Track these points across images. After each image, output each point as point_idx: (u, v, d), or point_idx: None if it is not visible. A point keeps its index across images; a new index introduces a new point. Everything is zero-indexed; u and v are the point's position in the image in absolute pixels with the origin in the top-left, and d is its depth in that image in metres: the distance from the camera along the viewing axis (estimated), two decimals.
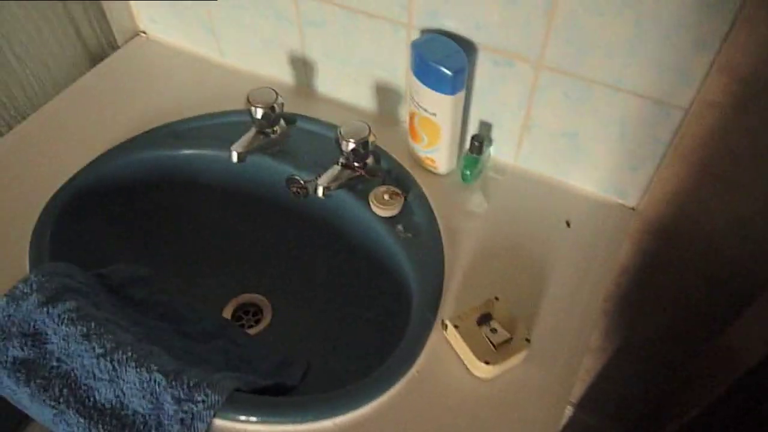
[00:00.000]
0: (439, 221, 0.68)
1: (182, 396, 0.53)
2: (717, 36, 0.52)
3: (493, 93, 0.67)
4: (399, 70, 0.72)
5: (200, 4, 0.80)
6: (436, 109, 0.65)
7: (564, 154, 0.69)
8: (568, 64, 0.60)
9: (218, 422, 0.53)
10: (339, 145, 0.67)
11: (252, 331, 0.74)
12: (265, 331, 0.74)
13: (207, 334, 0.71)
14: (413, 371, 0.57)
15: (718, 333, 0.76)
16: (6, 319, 0.58)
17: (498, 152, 0.73)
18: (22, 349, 0.57)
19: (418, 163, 0.73)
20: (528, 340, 0.56)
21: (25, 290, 0.59)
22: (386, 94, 0.77)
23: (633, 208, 0.70)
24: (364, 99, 0.79)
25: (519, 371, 0.57)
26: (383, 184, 0.69)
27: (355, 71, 0.76)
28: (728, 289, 0.72)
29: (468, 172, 0.70)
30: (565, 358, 0.58)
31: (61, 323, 0.57)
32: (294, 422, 0.53)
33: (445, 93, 0.63)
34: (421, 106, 0.66)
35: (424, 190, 0.70)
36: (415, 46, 0.63)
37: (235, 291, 0.76)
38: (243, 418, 0.53)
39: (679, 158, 0.64)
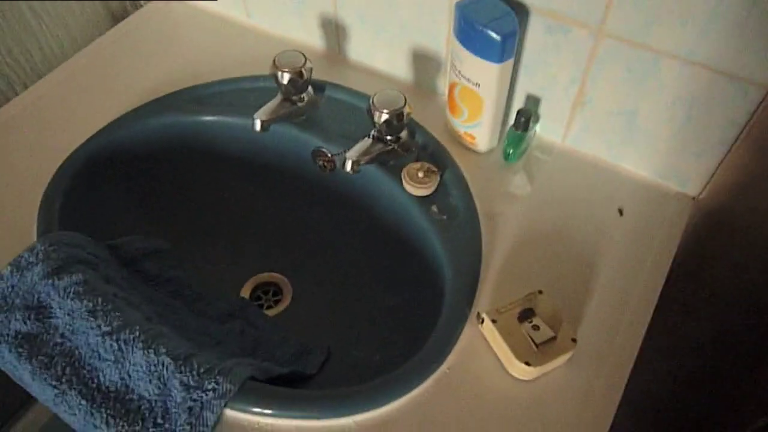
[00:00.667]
0: (477, 203, 0.62)
1: (191, 383, 0.49)
2: None
3: (544, 63, 0.60)
4: (440, 36, 0.66)
5: None
6: (480, 78, 0.59)
7: (620, 135, 0.62)
8: (634, 32, 0.53)
9: (229, 413, 0.49)
10: (371, 117, 0.61)
11: (270, 313, 0.69)
12: (284, 313, 0.69)
13: (223, 313, 0.67)
14: (444, 368, 0.51)
15: None
16: (9, 289, 0.55)
17: (545, 130, 0.67)
18: (25, 323, 0.53)
19: (457, 139, 0.67)
20: (574, 341, 0.50)
21: (30, 259, 0.56)
22: (424, 63, 0.70)
23: (694, 198, 0.63)
24: (399, 67, 0.73)
25: (561, 373, 0.51)
26: (417, 160, 0.63)
27: (391, 36, 0.69)
28: None
29: (511, 151, 0.64)
30: (614, 361, 0.52)
31: (67, 297, 0.53)
32: (311, 418, 0.49)
33: (492, 61, 0.56)
34: (463, 76, 0.60)
35: (462, 168, 0.64)
36: (460, 7, 0.56)
37: (255, 269, 0.72)
38: (256, 410, 0.49)
39: (752, 145, 0.57)
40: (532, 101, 0.65)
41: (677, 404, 0.84)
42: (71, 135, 0.67)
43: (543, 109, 0.65)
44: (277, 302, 0.70)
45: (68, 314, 0.53)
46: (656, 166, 0.63)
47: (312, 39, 0.77)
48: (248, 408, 0.49)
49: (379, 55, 0.73)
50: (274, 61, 0.64)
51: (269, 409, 0.49)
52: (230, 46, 0.79)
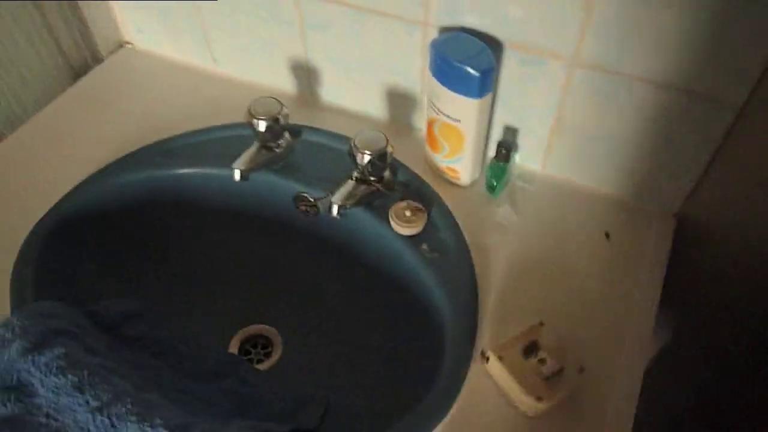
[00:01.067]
0: (466, 237, 0.61)
1: None
2: None
3: (521, 95, 0.61)
4: (413, 74, 0.66)
5: (191, 7, 0.74)
6: (460, 114, 0.59)
7: (599, 160, 0.63)
8: (608, 60, 0.55)
9: None
10: (353, 158, 0.60)
11: (262, 367, 0.67)
12: (276, 365, 0.67)
13: (212, 372, 0.64)
14: (453, 411, 0.50)
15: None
16: None
17: (525, 160, 0.67)
18: (5, 405, 0.49)
19: (438, 174, 0.67)
20: (582, 370, 0.50)
21: (6, 336, 0.52)
22: (399, 101, 0.70)
23: (674, 215, 0.64)
24: (373, 106, 0.73)
25: (571, 403, 0.51)
26: (402, 199, 0.63)
27: (363, 76, 0.69)
28: None
29: (495, 183, 0.64)
30: (621, 386, 0.52)
31: (49, 373, 0.50)
32: None
33: (471, 96, 0.57)
34: (442, 112, 0.60)
35: (448, 203, 0.64)
36: (436, 46, 0.57)
37: (241, 322, 0.69)
38: None
39: (729, 162, 0.58)
40: (510, 132, 0.65)
41: (690, 418, 0.84)
42: (40, 198, 0.64)
43: (521, 139, 0.66)
44: (267, 355, 0.68)
45: (52, 391, 0.50)
46: (637, 188, 0.64)
47: (281, 83, 0.76)
48: None
49: (353, 96, 0.73)
50: (249, 109, 0.63)
51: None
52: (198, 95, 0.77)
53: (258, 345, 0.69)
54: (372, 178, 0.62)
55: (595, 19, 0.52)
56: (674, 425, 0.81)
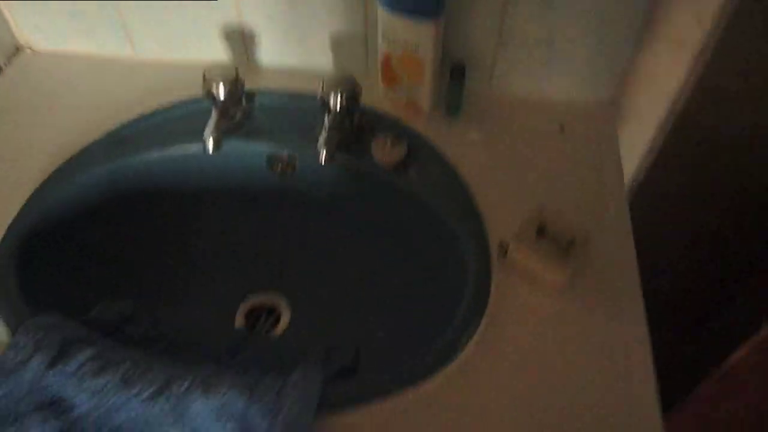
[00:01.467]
0: (447, 157, 0.65)
1: (273, 408, 0.46)
2: None
3: (463, 11, 0.65)
4: (357, 16, 0.67)
5: None
6: (418, 40, 0.62)
7: (541, 65, 0.69)
8: None
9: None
10: (324, 103, 0.61)
11: (274, 334, 0.66)
12: (288, 329, 0.66)
13: (229, 350, 0.62)
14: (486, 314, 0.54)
15: None
16: (5, 400, 0.46)
17: (472, 78, 0.72)
18: (45, 426, 0.45)
19: (398, 108, 0.70)
20: (587, 234, 0.55)
21: (20, 357, 0.47)
22: (343, 48, 0.71)
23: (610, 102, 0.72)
24: (318, 61, 0.73)
25: (584, 275, 0.57)
26: (377, 134, 0.65)
27: (304, 31, 0.70)
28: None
29: (456, 104, 0.68)
30: (618, 242, 0.59)
31: (86, 378, 0.47)
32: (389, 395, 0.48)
33: (429, 18, 0.59)
34: (399, 43, 0.63)
35: (418, 131, 0.67)
36: None
37: (242, 296, 0.68)
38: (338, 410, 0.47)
39: (653, 36, 0.67)
40: (460, 51, 0.69)
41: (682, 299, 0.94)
42: None
43: (469, 59, 0.70)
44: (276, 322, 0.67)
45: (94, 396, 0.46)
46: (579, 83, 0.70)
47: (214, 54, 0.74)
48: (332, 410, 0.47)
49: (294, 52, 0.73)
50: (204, 76, 0.61)
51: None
52: (126, 84, 0.73)
53: (262, 315, 0.68)
54: (346, 121, 0.63)
55: None
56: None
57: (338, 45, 0.71)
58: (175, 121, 0.67)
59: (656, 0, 0.63)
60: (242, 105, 0.66)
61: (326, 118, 0.62)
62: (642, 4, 0.62)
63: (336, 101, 0.60)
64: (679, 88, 0.69)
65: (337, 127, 0.62)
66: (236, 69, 0.62)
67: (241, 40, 0.72)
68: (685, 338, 0.94)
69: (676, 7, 0.63)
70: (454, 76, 0.66)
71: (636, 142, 0.78)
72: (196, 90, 0.67)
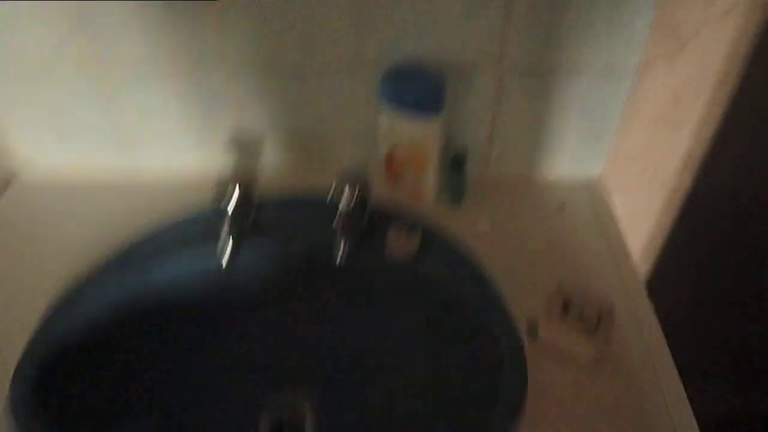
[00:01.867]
0: (459, 244, 0.66)
1: None
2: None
3: (461, 107, 0.69)
4: (366, 118, 0.71)
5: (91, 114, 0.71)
6: (421, 135, 0.65)
7: (533, 148, 0.73)
8: (529, 58, 0.65)
9: None
10: (337, 202, 0.62)
11: None
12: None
13: None
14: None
15: None
16: None
17: (470, 164, 0.75)
18: None
19: (404, 199, 0.72)
20: (611, 306, 0.57)
21: None
22: (348, 142, 0.74)
23: (599, 178, 0.76)
24: (321, 157, 0.75)
25: (615, 343, 0.57)
26: (389, 227, 0.66)
27: (307, 129, 0.73)
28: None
29: (459, 192, 0.71)
30: (639, 311, 0.60)
31: None
32: None
33: (433, 113, 0.63)
34: (404, 139, 0.66)
35: (428, 220, 0.69)
36: (388, 80, 0.63)
37: (262, 401, 0.65)
38: None
39: (635, 116, 0.72)
40: (458, 142, 0.73)
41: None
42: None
43: (466, 147, 0.73)
44: (302, 427, 0.64)
45: None
46: (568, 163, 0.75)
47: (215, 162, 0.76)
48: None
49: (299, 153, 0.75)
50: (215, 185, 0.62)
51: None
52: (128, 197, 0.73)
53: (286, 419, 0.65)
54: (359, 217, 0.65)
55: (516, 26, 0.62)
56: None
57: (343, 141, 0.74)
58: (183, 234, 0.67)
59: (638, 81, 0.68)
60: (253, 212, 0.67)
61: (339, 216, 0.63)
62: (622, 92, 0.67)
63: (349, 199, 0.62)
64: (674, 159, 0.75)
65: (351, 225, 0.63)
66: (248, 176, 0.64)
67: (245, 146, 0.74)
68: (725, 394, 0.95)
69: (656, 86, 0.69)
70: (455, 165, 0.70)
71: (638, 213, 0.82)
72: (200, 200, 0.68)
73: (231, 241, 0.62)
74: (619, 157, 0.76)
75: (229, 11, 0.62)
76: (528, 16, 0.61)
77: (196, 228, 0.68)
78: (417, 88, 0.62)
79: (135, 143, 0.75)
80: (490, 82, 0.67)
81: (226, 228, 0.63)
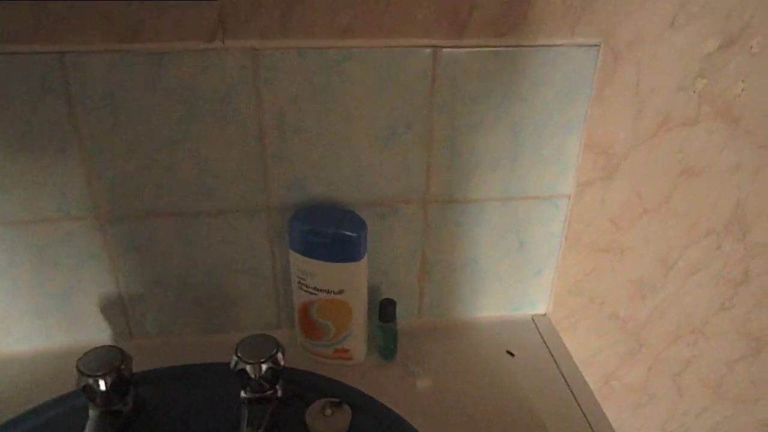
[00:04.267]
0: (397, 412, 0.53)
1: None
2: (581, 117, 0.56)
3: (384, 247, 0.60)
4: (262, 266, 0.59)
5: None
6: (343, 284, 0.54)
7: (470, 287, 0.64)
8: (455, 190, 0.58)
9: None
10: (242, 375, 0.49)
11: None
12: None
13: None
14: None
15: None
16: None
17: (400, 314, 0.64)
18: None
19: (326, 362, 0.59)
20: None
21: None
22: (249, 298, 0.62)
23: (545, 314, 0.68)
24: (219, 320, 0.62)
25: None
26: (310, 401, 0.53)
27: (201, 290, 0.60)
28: None
29: (392, 346, 0.59)
30: None
31: None
32: None
33: (353, 260, 0.53)
34: (321, 289, 0.54)
35: (355, 386, 0.56)
36: (299, 221, 0.53)
37: None
38: None
39: (573, 244, 0.65)
40: (384, 289, 0.62)
41: None
42: None
43: (393, 294, 0.63)
44: None
45: None
46: (510, 300, 0.66)
47: (90, 335, 0.60)
48: None
49: (190, 317, 0.61)
50: (78, 368, 0.47)
51: None
52: None
53: None
54: (268, 392, 0.51)
55: (436, 157, 0.56)
56: None
57: (242, 298, 0.61)
58: (50, 425, 0.50)
59: (574, 206, 0.63)
60: (130, 394, 0.52)
61: (246, 393, 0.50)
62: (559, 219, 0.61)
63: (257, 370, 0.48)
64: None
65: (260, 403, 0.50)
66: (121, 353, 0.49)
67: (122, 311, 0.60)
68: None
69: (593, 213, 0.64)
70: (383, 314, 0.58)
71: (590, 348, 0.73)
72: (62, 387, 0.53)
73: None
74: (564, 289, 0.69)
75: (93, 145, 0.51)
76: (449, 144, 0.55)
77: (64, 415, 0.51)
78: (334, 230, 0.52)
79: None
80: (414, 217, 0.59)
81: (92, 419, 0.47)
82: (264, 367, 0.48)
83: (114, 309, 0.60)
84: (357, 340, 0.58)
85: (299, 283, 0.55)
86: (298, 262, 0.54)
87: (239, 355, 0.49)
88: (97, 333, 0.60)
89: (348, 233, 0.52)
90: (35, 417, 0.52)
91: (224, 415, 0.52)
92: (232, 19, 0.48)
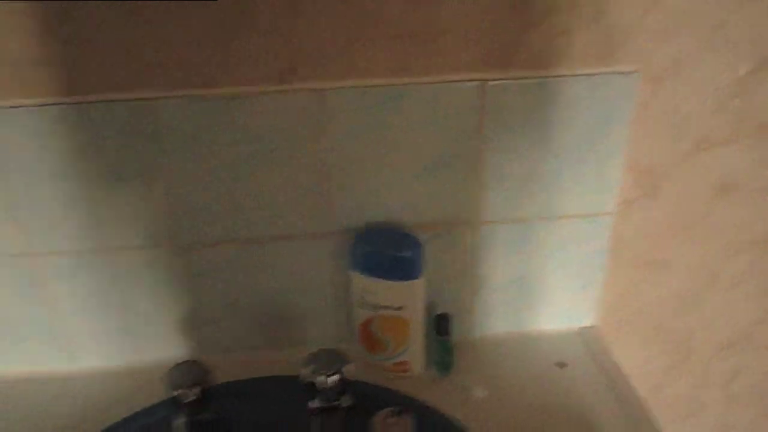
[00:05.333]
0: (456, 421, 0.57)
1: None
2: (621, 140, 0.59)
3: (439, 266, 0.64)
4: (325, 286, 0.64)
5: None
6: (401, 301, 0.58)
7: (519, 302, 0.67)
8: (502, 212, 0.62)
9: None
10: (311, 386, 0.53)
11: None
12: None
13: None
14: None
15: None
16: None
17: (455, 327, 0.68)
18: None
19: (386, 374, 0.63)
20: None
21: None
22: (310, 319, 0.66)
23: (593, 326, 0.70)
24: (287, 333, 0.67)
25: None
26: (374, 411, 0.57)
27: (269, 305, 0.65)
28: None
29: (448, 359, 0.63)
30: None
31: None
32: None
33: (411, 278, 0.57)
34: (381, 306, 0.59)
35: (416, 397, 0.60)
36: (360, 243, 0.57)
37: None
38: None
39: (617, 259, 0.68)
40: (440, 305, 0.66)
41: None
42: None
43: (448, 310, 0.67)
44: None
45: None
46: (558, 314, 0.69)
47: (161, 354, 0.66)
48: None
49: (258, 334, 0.66)
50: (169, 382, 0.53)
51: None
52: (66, 400, 0.62)
53: None
54: (335, 402, 0.55)
55: (486, 183, 0.60)
56: None
57: (306, 316, 0.66)
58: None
59: (618, 223, 0.66)
60: (212, 404, 0.57)
61: (316, 403, 0.54)
62: (603, 236, 0.64)
63: (325, 381, 0.53)
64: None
65: (330, 413, 0.54)
66: (202, 365, 0.55)
67: (193, 331, 0.65)
68: None
69: (636, 229, 0.67)
70: (440, 328, 0.62)
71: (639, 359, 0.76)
72: (146, 399, 0.59)
73: None
74: (611, 302, 0.71)
75: (173, 182, 0.57)
76: (496, 169, 0.59)
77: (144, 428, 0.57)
78: (393, 251, 0.56)
79: (70, 338, 0.65)
80: (467, 237, 0.63)
81: (179, 425, 0.53)
82: (334, 378, 0.53)
83: (191, 327, 0.65)
84: (415, 353, 0.62)
85: (360, 300, 0.60)
86: (359, 281, 0.59)
87: (310, 367, 0.54)
88: (176, 350, 0.66)
89: (406, 254, 0.56)
90: (126, 426, 0.58)
91: (293, 424, 0.56)
92: (301, 63, 0.54)
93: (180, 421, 0.54)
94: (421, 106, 0.56)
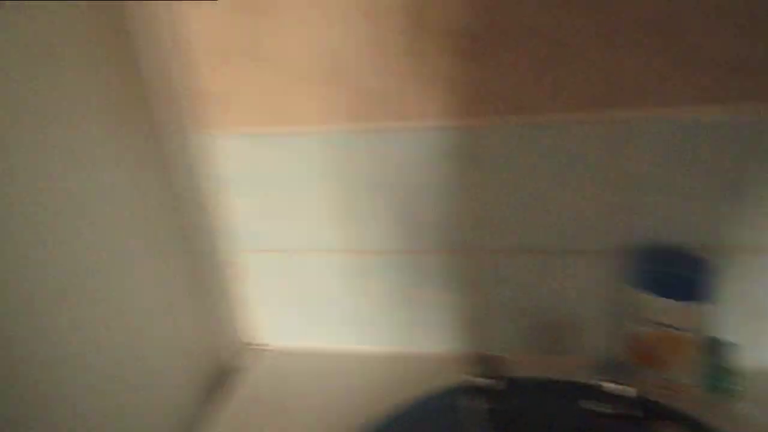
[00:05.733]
0: None
1: None
2: None
3: (724, 291, 0.64)
4: (602, 300, 0.68)
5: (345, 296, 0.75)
6: (686, 321, 0.61)
7: None
8: None
9: None
10: (599, 393, 0.58)
11: None
12: None
13: None
14: None
15: None
16: None
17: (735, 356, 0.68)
18: None
19: (659, 390, 0.65)
20: None
21: None
22: (585, 330, 0.71)
23: None
24: (561, 343, 0.73)
25: None
26: (656, 423, 0.60)
27: (546, 311, 0.71)
28: None
29: (725, 385, 0.63)
30: None
31: None
32: None
33: (698, 300, 0.59)
34: (667, 325, 0.61)
35: (696, 416, 0.61)
36: (649, 261, 0.61)
37: None
38: None
39: None
40: (718, 331, 0.67)
41: None
42: None
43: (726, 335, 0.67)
44: None
45: None
46: None
47: (442, 346, 0.75)
48: None
49: (538, 336, 0.73)
50: (476, 370, 0.60)
51: None
52: (360, 378, 0.73)
53: None
54: (625, 411, 0.59)
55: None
56: None
57: (581, 326, 0.71)
58: (426, 418, 0.65)
59: None
60: (514, 396, 0.64)
61: (602, 408, 0.59)
62: None
63: (622, 391, 0.57)
64: None
65: (619, 420, 0.58)
66: (502, 359, 0.62)
67: (477, 329, 0.73)
68: None
69: None
70: (717, 353, 0.63)
71: None
72: (429, 383, 0.68)
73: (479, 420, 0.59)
74: None
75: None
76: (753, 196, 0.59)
77: (435, 411, 0.65)
78: (683, 272, 0.59)
79: (365, 325, 0.77)
80: (756, 265, 0.63)
81: (475, 406, 0.60)
82: (630, 389, 0.57)
83: (477, 326, 0.74)
84: (689, 373, 0.63)
85: (640, 317, 0.63)
86: (643, 299, 0.62)
87: (597, 374, 0.58)
88: (458, 344, 0.75)
89: (695, 276, 0.58)
90: (421, 404, 0.67)
91: (565, 422, 0.61)
92: (598, 95, 0.59)
93: (483, 408, 0.62)
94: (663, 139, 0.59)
